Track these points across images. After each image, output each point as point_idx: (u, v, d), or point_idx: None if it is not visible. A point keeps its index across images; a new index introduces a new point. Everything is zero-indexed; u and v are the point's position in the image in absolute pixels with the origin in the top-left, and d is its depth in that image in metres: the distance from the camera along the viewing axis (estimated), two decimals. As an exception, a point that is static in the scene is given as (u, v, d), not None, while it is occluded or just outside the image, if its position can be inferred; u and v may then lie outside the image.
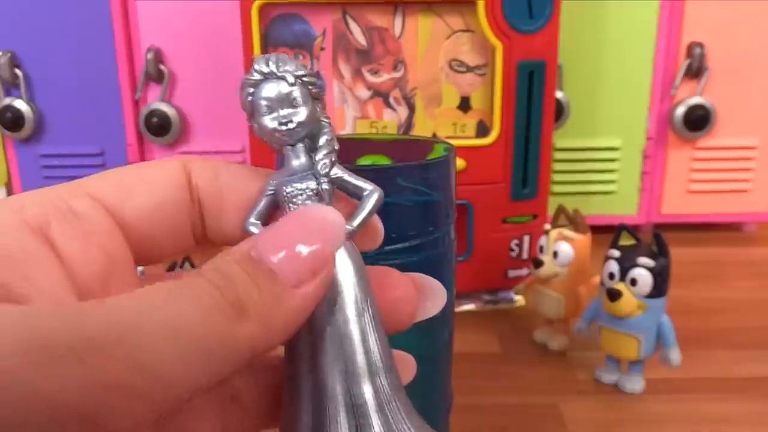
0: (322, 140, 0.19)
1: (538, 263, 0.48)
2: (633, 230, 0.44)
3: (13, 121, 0.66)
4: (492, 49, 0.51)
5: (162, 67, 0.66)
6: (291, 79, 0.18)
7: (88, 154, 0.69)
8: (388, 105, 0.54)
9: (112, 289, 0.18)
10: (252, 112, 0.19)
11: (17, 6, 0.65)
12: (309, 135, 0.19)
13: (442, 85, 0.53)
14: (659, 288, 0.42)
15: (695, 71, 0.67)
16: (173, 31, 0.66)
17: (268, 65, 0.18)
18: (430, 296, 0.20)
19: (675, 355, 0.43)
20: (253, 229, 0.19)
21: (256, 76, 0.18)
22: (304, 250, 0.16)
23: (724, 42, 0.66)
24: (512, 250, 0.55)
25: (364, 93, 0.54)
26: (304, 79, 0.18)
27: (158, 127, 0.67)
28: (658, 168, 0.71)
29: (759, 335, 0.52)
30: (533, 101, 0.52)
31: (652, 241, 0.43)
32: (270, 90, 0.18)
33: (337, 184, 0.19)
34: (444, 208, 0.31)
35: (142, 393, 0.13)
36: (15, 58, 0.66)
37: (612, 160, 0.70)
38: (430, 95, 0.54)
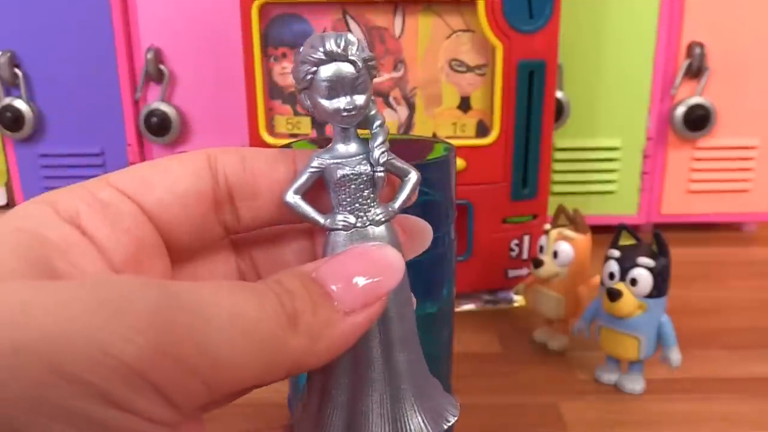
0: (376, 125, 0.19)
1: (538, 263, 0.48)
2: (633, 230, 0.44)
3: (13, 121, 0.66)
4: (492, 49, 0.51)
5: (162, 67, 0.66)
6: (359, 64, 0.18)
7: (88, 154, 0.69)
8: (388, 105, 0.54)
9: (144, 272, 0.18)
10: (308, 87, 0.18)
11: (17, 6, 0.65)
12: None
13: (442, 85, 0.53)
14: (659, 288, 0.42)
15: (695, 71, 0.67)
16: (173, 31, 0.66)
17: (338, 46, 0.18)
18: (417, 236, 0.21)
19: (675, 355, 0.43)
20: (293, 200, 0.19)
21: (322, 56, 0.18)
22: (360, 282, 0.17)
23: (724, 42, 0.66)
24: (512, 250, 0.55)
25: (364, 93, 0.54)
26: (369, 63, 0.18)
27: (158, 127, 0.67)
28: (658, 168, 0.71)
29: (759, 335, 0.52)
30: (533, 101, 0.52)
31: (652, 241, 0.43)
32: (337, 72, 0.18)
33: (387, 167, 0.19)
34: (444, 208, 0.31)
35: (202, 374, 0.14)
36: (15, 58, 0.66)
37: (612, 160, 0.70)
38: (430, 95, 0.54)
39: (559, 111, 0.67)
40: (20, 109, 0.66)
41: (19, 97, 0.66)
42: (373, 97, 0.19)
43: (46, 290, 0.14)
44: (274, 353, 0.16)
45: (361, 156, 0.19)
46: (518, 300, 0.57)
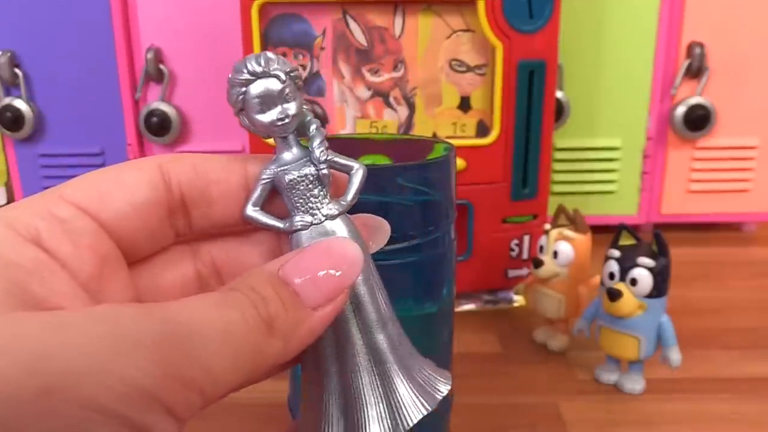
0: (313, 128, 0.20)
1: (538, 263, 0.48)
2: (633, 230, 0.44)
3: (13, 120, 0.66)
4: (492, 49, 0.51)
5: (162, 66, 0.66)
6: (282, 77, 0.19)
7: (88, 154, 0.69)
8: (388, 105, 0.54)
9: (108, 285, 0.19)
10: (243, 108, 0.20)
11: (17, 6, 0.65)
12: (298, 125, 0.20)
13: (442, 84, 0.53)
14: (659, 288, 0.42)
15: (695, 71, 0.67)
16: (173, 31, 0.66)
17: (259, 64, 0.19)
18: (376, 232, 0.22)
19: (675, 355, 0.43)
20: (253, 214, 0.20)
21: (247, 76, 0.19)
22: (323, 277, 0.18)
23: (724, 42, 0.66)
24: (512, 250, 0.55)
25: (364, 93, 0.54)
26: (292, 74, 0.20)
27: (158, 126, 0.67)
28: (658, 168, 0.71)
29: (759, 335, 0.52)
30: (533, 101, 0.52)
31: (652, 241, 0.43)
32: (263, 88, 0.19)
33: (330, 165, 0.20)
34: (444, 208, 0.31)
35: (199, 386, 0.16)
36: (15, 57, 0.66)
37: (612, 160, 0.70)
38: (430, 95, 0.54)
39: (559, 111, 0.67)
40: (20, 109, 0.66)
41: (19, 97, 0.66)
42: (305, 105, 0.20)
43: (55, 329, 0.15)
44: (257, 359, 0.17)
45: (304, 159, 0.20)
46: (518, 300, 0.57)
